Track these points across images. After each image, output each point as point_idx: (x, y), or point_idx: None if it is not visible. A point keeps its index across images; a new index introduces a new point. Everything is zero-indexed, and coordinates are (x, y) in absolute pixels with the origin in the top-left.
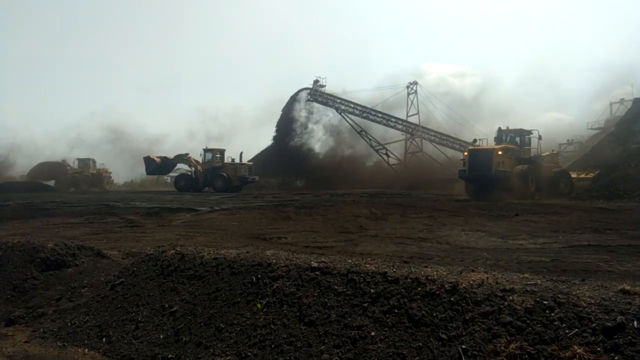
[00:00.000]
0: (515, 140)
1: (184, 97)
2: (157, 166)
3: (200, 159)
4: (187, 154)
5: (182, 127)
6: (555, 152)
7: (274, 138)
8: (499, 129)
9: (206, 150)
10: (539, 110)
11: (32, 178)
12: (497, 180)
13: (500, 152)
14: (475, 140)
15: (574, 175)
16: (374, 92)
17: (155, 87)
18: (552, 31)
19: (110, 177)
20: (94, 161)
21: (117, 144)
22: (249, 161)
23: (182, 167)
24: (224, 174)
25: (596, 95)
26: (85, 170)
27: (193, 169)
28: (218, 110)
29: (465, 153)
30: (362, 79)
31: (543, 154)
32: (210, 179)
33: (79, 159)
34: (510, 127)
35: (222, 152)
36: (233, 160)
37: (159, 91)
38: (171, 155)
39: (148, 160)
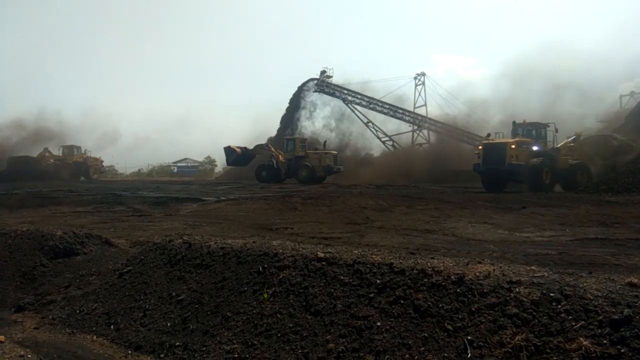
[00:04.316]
0: (531, 133)
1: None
2: (238, 157)
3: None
4: (267, 144)
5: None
6: (571, 143)
7: (279, 130)
8: (514, 123)
9: (288, 139)
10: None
11: (9, 168)
12: (511, 173)
13: (513, 146)
14: (489, 135)
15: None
16: (381, 83)
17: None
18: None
19: (102, 166)
20: (78, 148)
21: None
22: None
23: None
24: (308, 164)
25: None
26: (68, 157)
27: (274, 159)
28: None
29: (480, 147)
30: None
31: (559, 145)
32: (293, 170)
33: (63, 146)
34: (524, 121)
35: (304, 140)
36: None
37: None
38: (251, 146)
39: (229, 151)
